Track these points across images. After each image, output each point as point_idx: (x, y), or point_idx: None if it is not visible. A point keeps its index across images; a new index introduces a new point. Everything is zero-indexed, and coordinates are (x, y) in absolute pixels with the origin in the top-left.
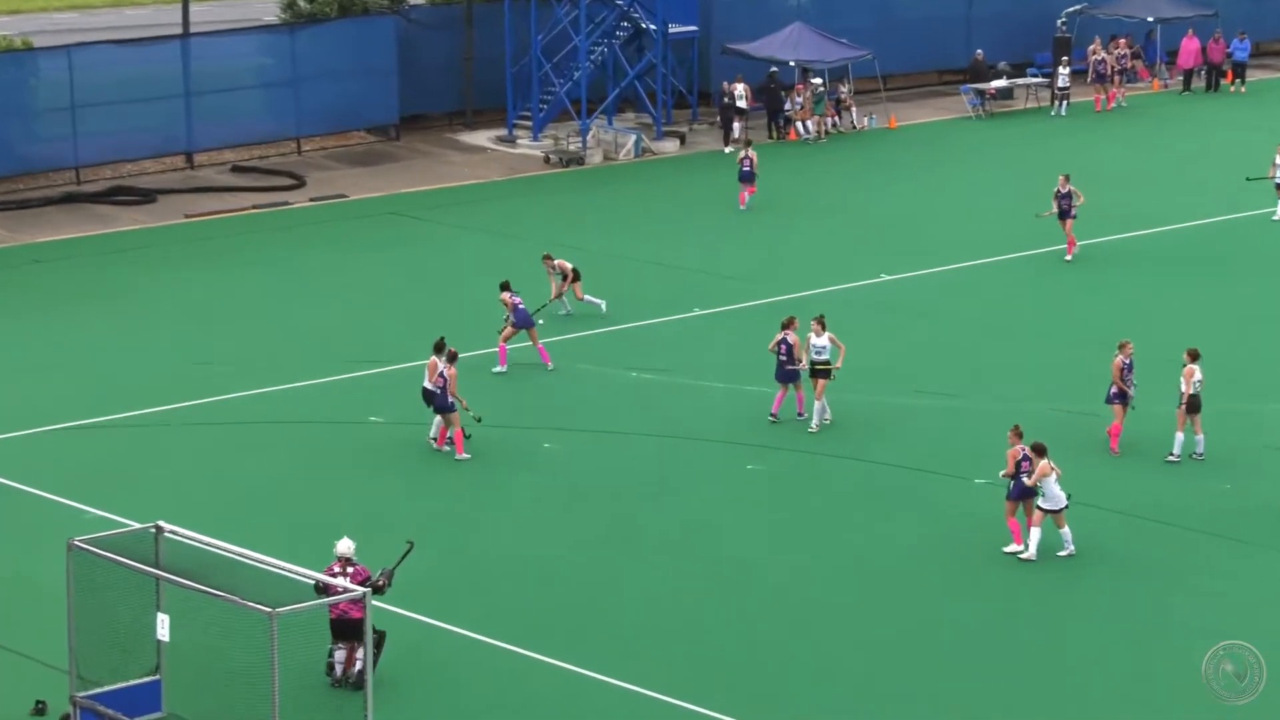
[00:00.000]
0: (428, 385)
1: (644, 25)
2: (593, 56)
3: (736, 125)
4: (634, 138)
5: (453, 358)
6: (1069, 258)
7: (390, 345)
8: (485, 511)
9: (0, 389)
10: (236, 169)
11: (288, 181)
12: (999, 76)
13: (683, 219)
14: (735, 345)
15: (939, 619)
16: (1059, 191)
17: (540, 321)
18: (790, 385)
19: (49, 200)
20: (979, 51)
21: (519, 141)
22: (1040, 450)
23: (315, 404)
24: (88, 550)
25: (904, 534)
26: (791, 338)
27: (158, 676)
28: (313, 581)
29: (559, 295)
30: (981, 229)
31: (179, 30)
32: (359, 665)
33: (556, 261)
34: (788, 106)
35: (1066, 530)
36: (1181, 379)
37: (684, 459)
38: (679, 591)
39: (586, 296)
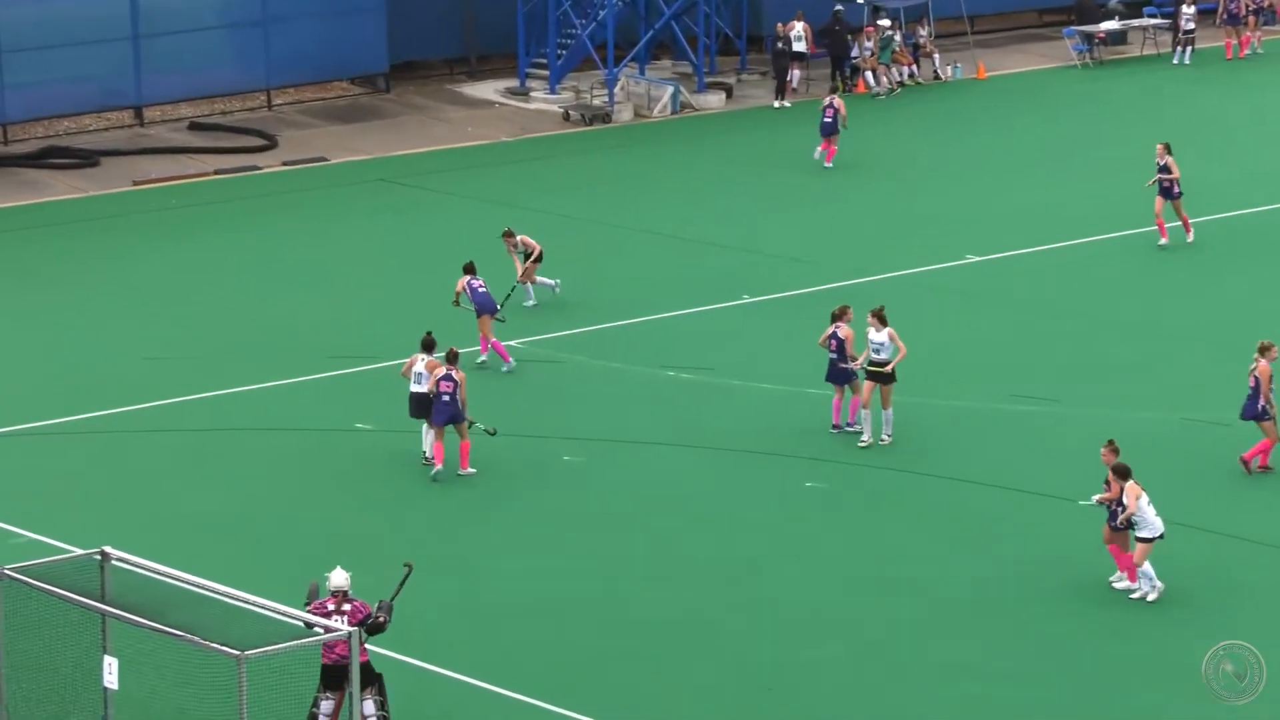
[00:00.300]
0: (423, 389)
1: None
2: None
3: (795, 73)
4: (671, 90)
5: (453, 357)
6: (1189, 239)
7: (378, 338)
8: (492, 537)
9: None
10: (194, 126)
11: (256, 142)
12: (1111, 17)
13: (729, 188)
14: (791, 339)
15: (1036, 672)
16: (1159, 163)
17: (502, 320)
18: (845, 387)
19: None
20: None
21: (533, 95)
22: (1123, 473)
23: (290, 408)
24: (19, 580)
25: (996, 568)
26: (844, 331)
27: None
28: (291, 620)
29: (525, 278)
30: (1087, 201)
31: None
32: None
33: (519, 238)
34: (855, 53)
35: (1147, 566)
36: None
37: (729, 475)
38: (723, 637)
39: (540, 279)
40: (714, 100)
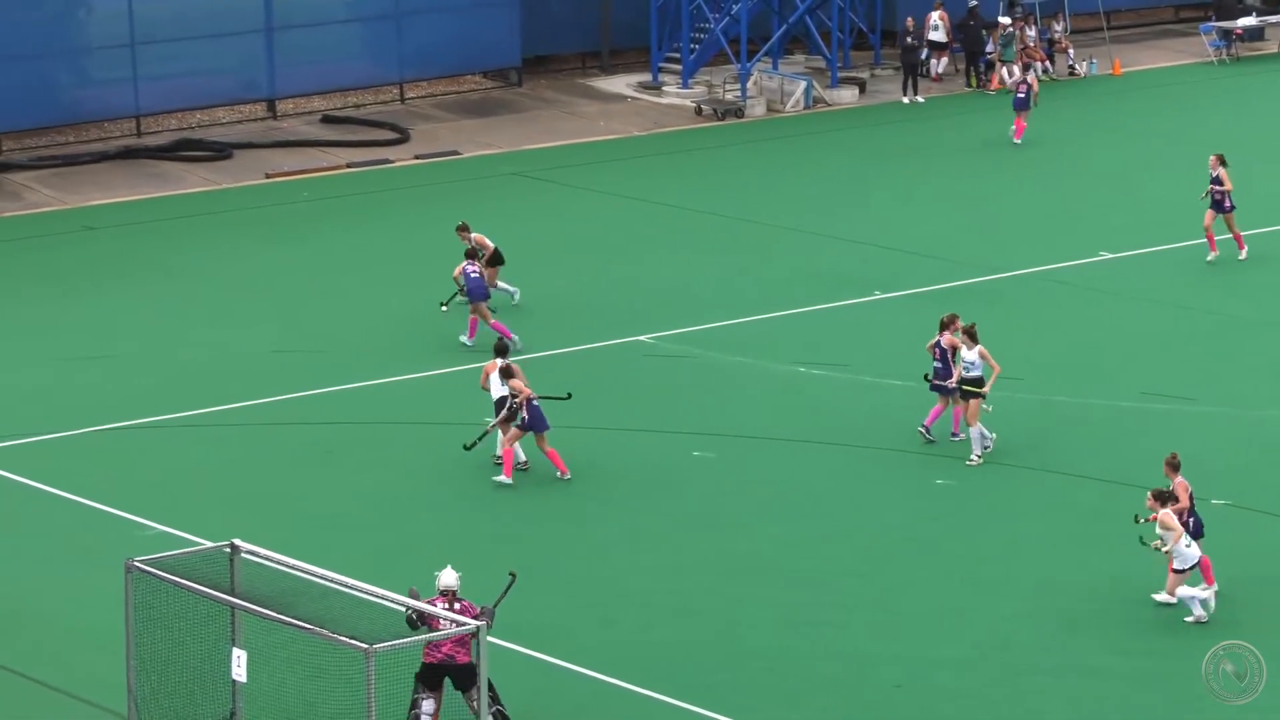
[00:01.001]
0: (505, 393)
1: None
2: None
3: (937, 62)
4: (804, 85)
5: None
6: (1242, 256)
7: (514, 331)
8: (621, 532)
9: (44, 380)
10: (327, 120)
11: (388, 135)
12: (1248, 13)
13: (863, 184)
14: (922, 335)
15: (1167, 672)
16: (1212, 174)
17: (444, 308)
18: (949, 399)
19: (103, 155)
20: None
21: (665, 89)
22: (1162, 497)
23: (416, 402)
24: (149, 573)
25: (1130, 568)
26: (948, 339)
27: None
28: (408, 612)
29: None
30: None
31: None
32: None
33: (474, 235)
34: (990, 48)
35: (1186, 590)
36: None
37: (859, 471)
38: (851, 633)
39: (501, 284)
40: (847, 95)
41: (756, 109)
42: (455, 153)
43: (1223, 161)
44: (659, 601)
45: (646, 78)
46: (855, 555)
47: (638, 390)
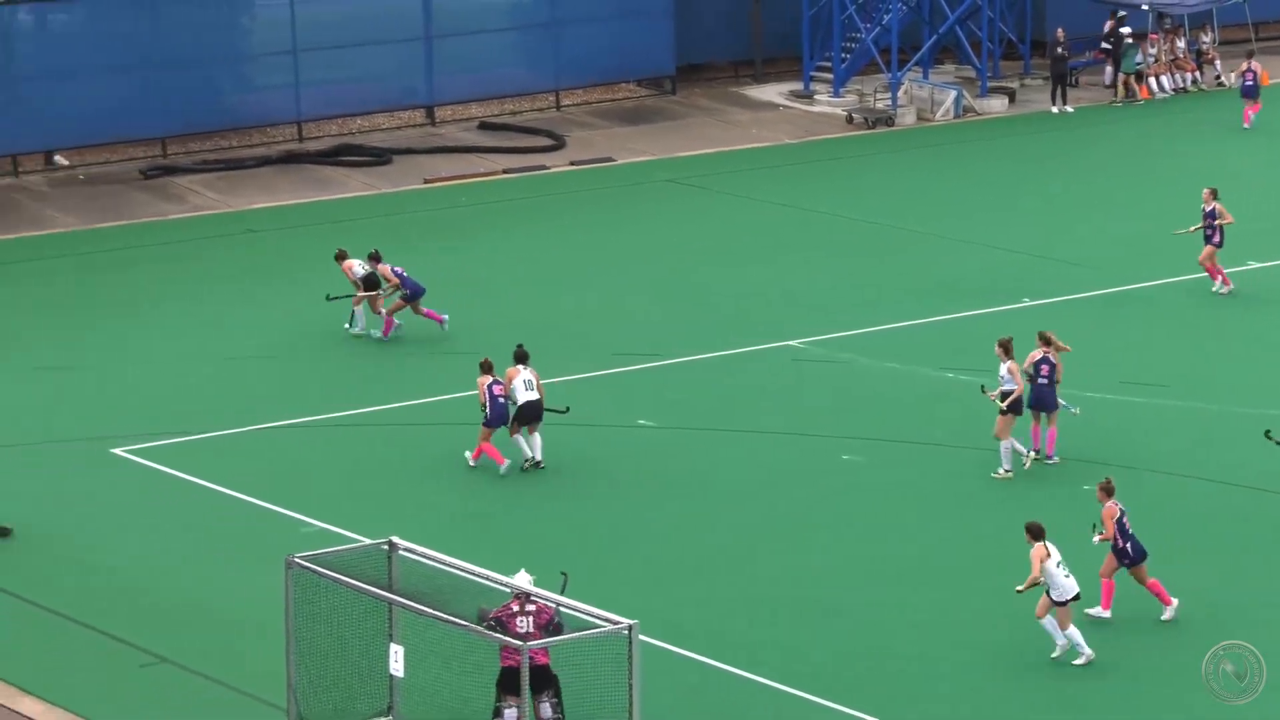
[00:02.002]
0: (535, 396)
1: None
2: None
3: (1111, 73)
4: (954, 94)
5: (488, 367)
6: (1225, 290)
7: (662, 336)
8: (769, 532)
9: (206, 379)
10: (484, 126)
11: (544, 142)
12: None
13: (1011, 192)
14: (1072, 342)
15: None
16: (1204, 209)
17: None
18: (1044, 413)
19: (265, 160)
20: None
21: (817, 98)
22: (1035, 532)
23: (573, 404)
24: (310, 569)
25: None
26: (1054, 355)
27: (390, 718)
28: (574, 613)
29: (360, 301)
30: None
31: None
32: None
33: (348, 263)
34: (1139, 60)
35: (1073, 631)
36: None
37: (1007, 479)
38: (987, 635)
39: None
40: (997, 104)
41: (907, 118)
42: (609, 159)
43: (1215, 195)
44: (801, 601)
45: (798, 86)
46: (995, 561)
47: (786, 395)
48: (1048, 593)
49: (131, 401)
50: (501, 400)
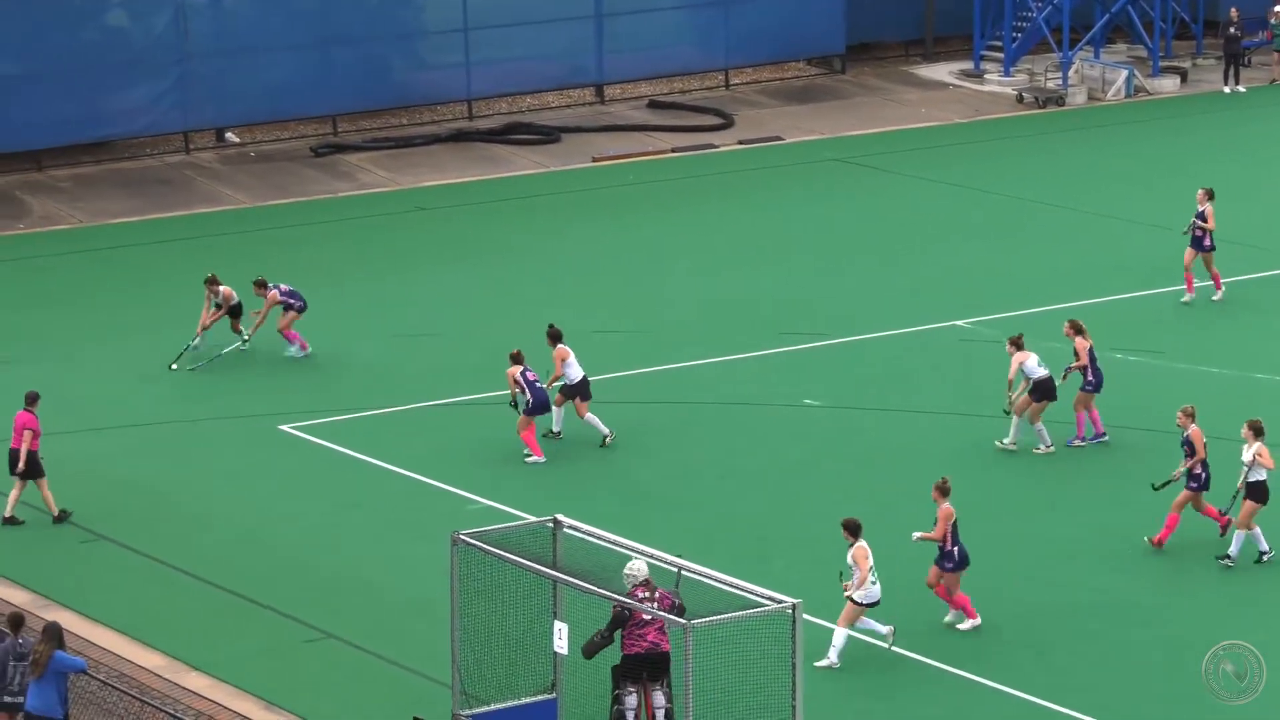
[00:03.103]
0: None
1: None
2: None
3: None
4: (1125, 74)
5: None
6: (1217, 297)
7: (830, 315)
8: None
9: (376, 356)
10: (654, 105)
11: (713, 121)
12: None
13: (1181, 172)
14: (1235, 323)
15: None
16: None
17: (185, 362)
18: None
19: (435, 138)
20: None
21: (987, 77)
22: (852, 529)
23: (739, 383)
24: (475, 546)
25: None
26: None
27: (554, 695)
28: (736, 591)
29: (208, 326)
30: None
31: None
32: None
33: (222, 289)
34: None
35: (844, 635)
36: None
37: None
38: (1177, 622)
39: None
40: (1168, 85)
41: (1078, 97)
42: (778, 138)
43: (1210, 197)
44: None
45: (968, 65)
46: (1173, 540)
47: (954, 375)
48: (854, 598)
49: (298, 378)
50: (540, 386)
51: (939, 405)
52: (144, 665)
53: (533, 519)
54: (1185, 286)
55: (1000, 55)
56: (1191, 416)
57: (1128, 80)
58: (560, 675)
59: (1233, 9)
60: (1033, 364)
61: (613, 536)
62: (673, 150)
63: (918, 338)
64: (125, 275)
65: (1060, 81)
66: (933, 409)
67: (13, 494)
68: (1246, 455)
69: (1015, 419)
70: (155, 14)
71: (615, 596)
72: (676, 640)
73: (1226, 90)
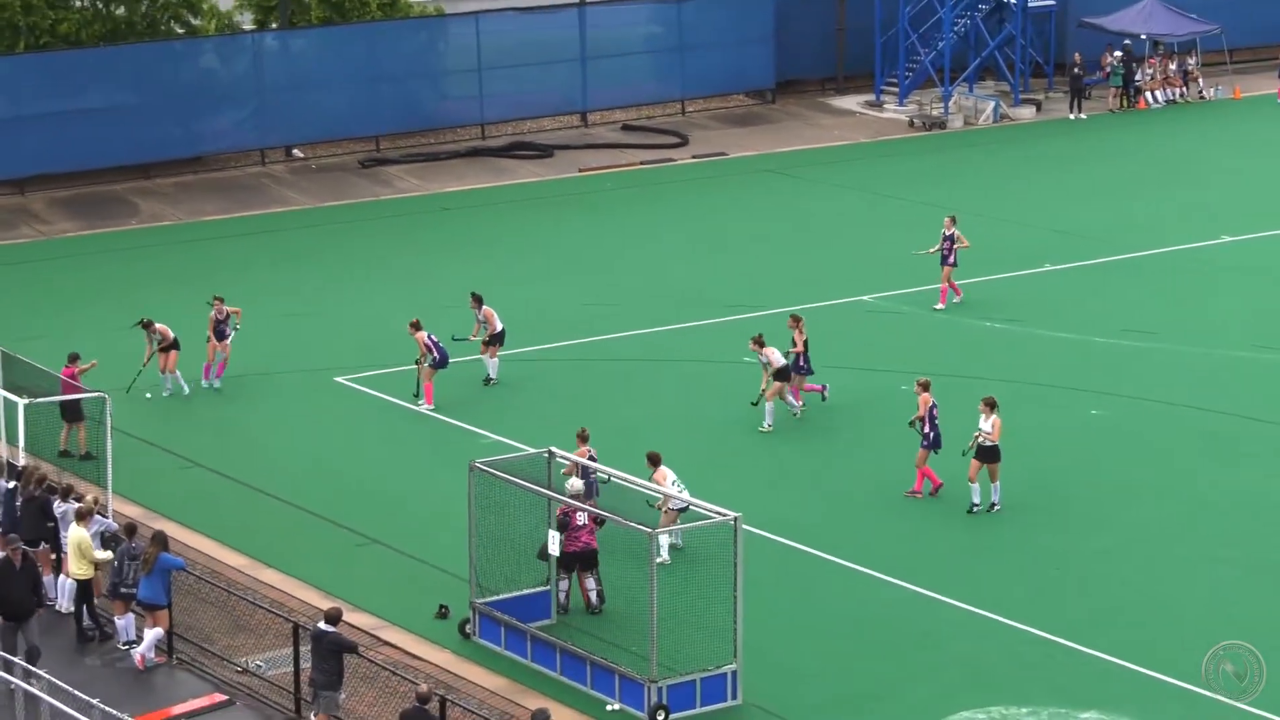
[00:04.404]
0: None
1: None
2: (956, 28)
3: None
4: (993, 104)
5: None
6: (939, 305)
7: (763, 290)
8: (1016, 486)
9: (407, 324)
10: (626, 127)
11: (673, 140)
12: None
13: (1037, 180)
14: (1085, 298)
15: None
16: (944, 234)
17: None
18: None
19: (456, 154)
20: None
21: (885, 106)
22: (653, 460)
23: (691, 345)
24: (486, 472)
25: None
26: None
27: (547, 588)
28: (696, 507)
29: (149, 361)
30: None
31: (577, 0)
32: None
33: (159, 327)
34: (1139, 77)
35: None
36: None
37: (1223, 434)
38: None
39: (175, 372)
40: (1026, 112)
41: (956, 122)
42: (723, 153)
43: (954, 223)
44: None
45: (871, 97)
46: (1229, 521)
47: (1034, 357)
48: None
49: (348, 340)
50: (443, 346)
51: (847, 362)
52: (230, 564)
53: (531, 450)
54: (941, 299)
55: (896, 89)
56: (925, 387)
57: (995, 109)
58: (552, 573)
59: (1076, 53)
60: (777, 355)
61: (593, 465)
62: (641, 163)
63: (826, 312)
64: (215, 261)
65: (942, 110)
66: (841, 365)
67: (63, 434)
68: (985, 424)
69: (769, 404)
70: (238, 57)
71: (596, 510)
72: (601, 539)
73: (1071, 117)
